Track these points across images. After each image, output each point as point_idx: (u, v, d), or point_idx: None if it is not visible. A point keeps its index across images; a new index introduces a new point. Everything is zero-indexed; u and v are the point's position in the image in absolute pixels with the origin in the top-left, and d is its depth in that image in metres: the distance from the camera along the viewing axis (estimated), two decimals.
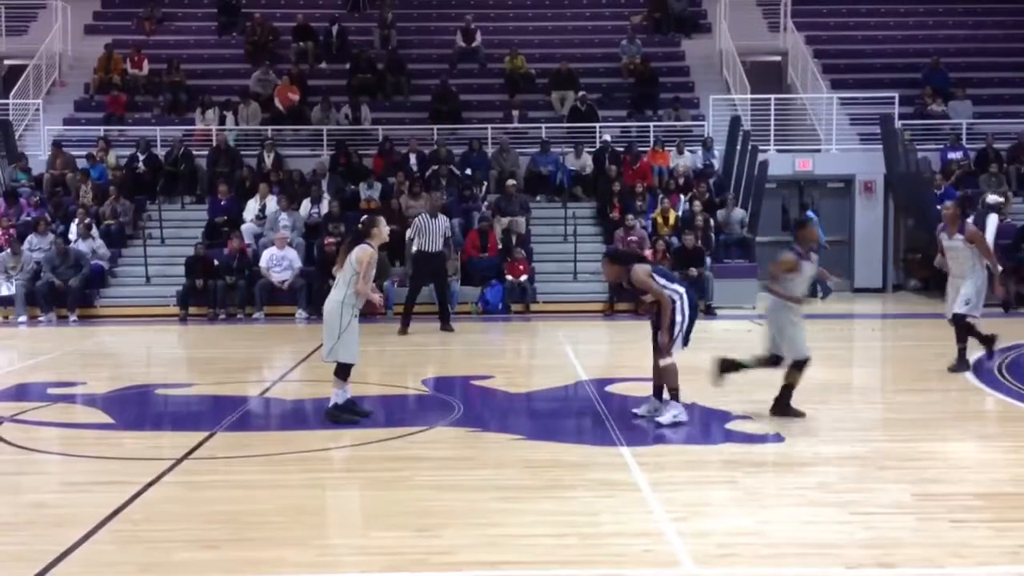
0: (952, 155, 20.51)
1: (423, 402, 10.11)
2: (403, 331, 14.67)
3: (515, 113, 21.98)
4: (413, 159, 20.43)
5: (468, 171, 20.13)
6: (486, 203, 19.23)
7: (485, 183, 19.93)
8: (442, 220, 15.28)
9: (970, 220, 11.13)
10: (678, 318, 8.19)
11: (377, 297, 8.80)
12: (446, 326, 15.01)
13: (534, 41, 24.68)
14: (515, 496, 6.40)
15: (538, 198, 20.06)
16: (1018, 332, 13.70)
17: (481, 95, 23.15)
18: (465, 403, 9.65)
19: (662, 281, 8.29)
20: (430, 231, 14.91)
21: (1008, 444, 7.71)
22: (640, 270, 8.28)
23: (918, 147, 20.18)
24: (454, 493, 6.47)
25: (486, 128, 21.39)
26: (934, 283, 19.69)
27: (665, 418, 8.23)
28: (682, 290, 8.33)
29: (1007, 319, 13.54)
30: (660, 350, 8.30)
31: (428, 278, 15.16)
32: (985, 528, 5.70)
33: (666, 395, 8.42)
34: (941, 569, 5.11)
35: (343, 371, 8.52)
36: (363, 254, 8.37)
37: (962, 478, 6.79)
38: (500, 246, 18.02)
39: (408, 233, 15.35)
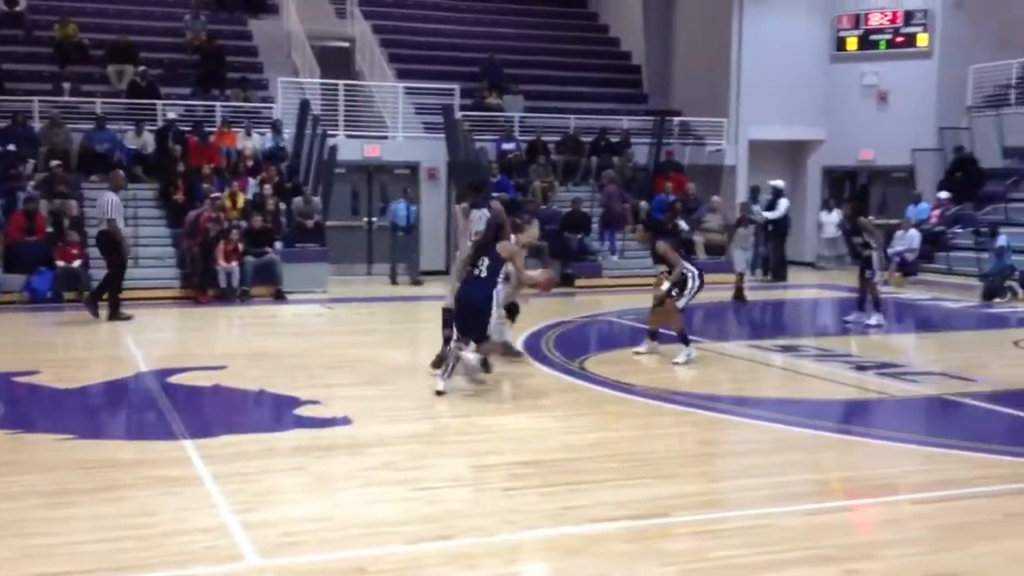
0: (506, 146, 21.92)
1: None
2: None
3: (66, 86, 20.23)
4: None
5: (11, 147, 18.24)
6: (32, 182, 17.55)
7: (32, 160, 18.18)
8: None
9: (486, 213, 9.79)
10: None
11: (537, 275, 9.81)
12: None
13: (87, 9, 22.86)
14: (64, 502, 5.88)
15: (93, 178, 18.66)
16: (564, 310, 15.02)
17: (27, 64, 21.04)
18: (6, 402, 8.73)
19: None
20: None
21: (556, 414, 8.36)
22: (664, 243, 10.90)
23: (476, 137, 21.32)
24: None
25: (32, 100, 19.51)
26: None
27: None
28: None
29: (554, 297, 14.72)
30: None
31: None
32: (533, 494, 6.13)
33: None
34: (493, 536, 5.42)
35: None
36: (512, 247, 9.21)
37: (515, 448, 7.27)
38: (49, 229, 16.54)
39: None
